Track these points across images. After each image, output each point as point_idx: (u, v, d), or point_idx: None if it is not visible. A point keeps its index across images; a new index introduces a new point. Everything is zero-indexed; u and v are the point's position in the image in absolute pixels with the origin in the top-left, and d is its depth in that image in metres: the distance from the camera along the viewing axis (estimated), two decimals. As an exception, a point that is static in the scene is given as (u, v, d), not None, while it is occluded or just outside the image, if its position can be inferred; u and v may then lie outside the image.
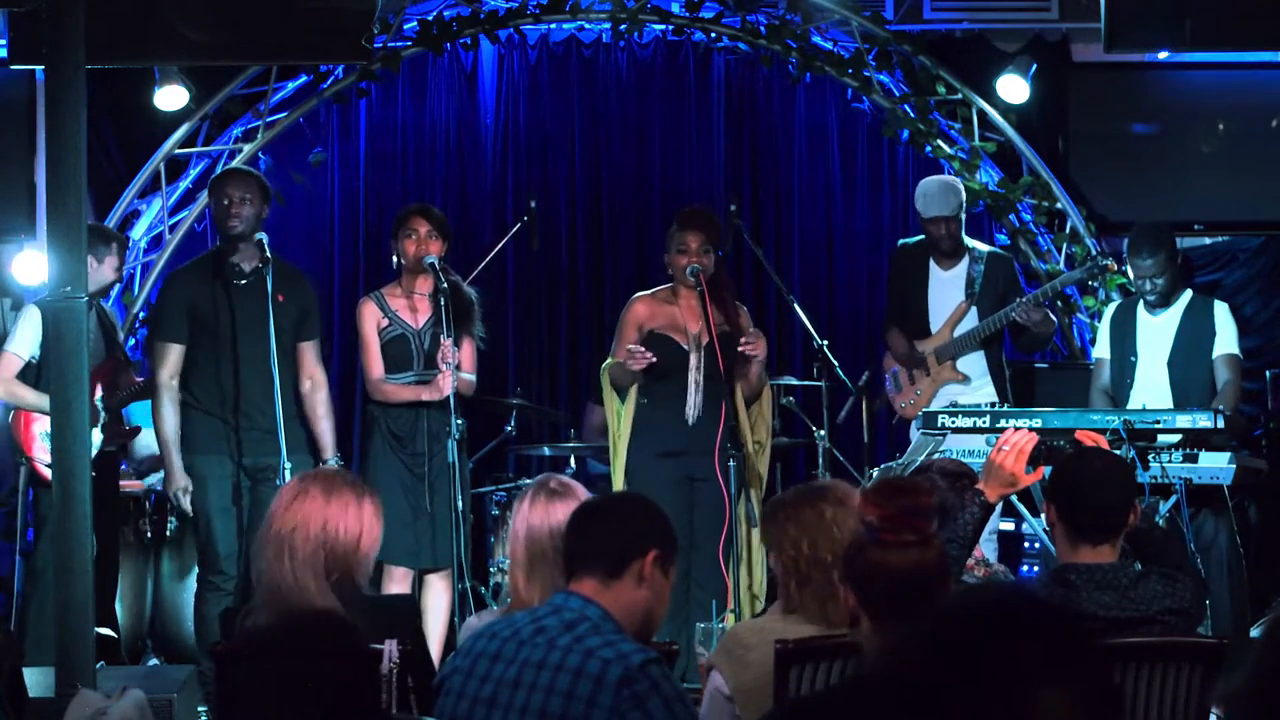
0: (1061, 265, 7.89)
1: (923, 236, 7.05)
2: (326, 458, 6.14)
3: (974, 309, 6.88)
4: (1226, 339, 6.29)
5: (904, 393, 7.00)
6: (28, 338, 6.45)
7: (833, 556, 3.46)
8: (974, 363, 6.88)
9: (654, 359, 6.09)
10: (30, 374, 6.45)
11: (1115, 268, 7.05)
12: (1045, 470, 4.34)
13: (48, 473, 6.33)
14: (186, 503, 5.94)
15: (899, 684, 2.01)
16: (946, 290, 6.95)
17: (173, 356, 6.00)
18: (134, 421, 7.57)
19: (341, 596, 3.68)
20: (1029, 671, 1.94)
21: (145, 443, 7.54)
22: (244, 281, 6.01)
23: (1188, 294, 6.44)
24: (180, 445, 6.03)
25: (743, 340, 6.08)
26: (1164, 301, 6.42)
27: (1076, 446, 4.64)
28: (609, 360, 6.35)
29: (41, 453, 6.42)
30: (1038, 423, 5.21)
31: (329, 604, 3.61)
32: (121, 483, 7.13)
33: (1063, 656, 1.96)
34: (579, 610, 3.02)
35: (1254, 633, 6.14)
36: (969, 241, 7.05)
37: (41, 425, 6.42)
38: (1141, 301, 6.41)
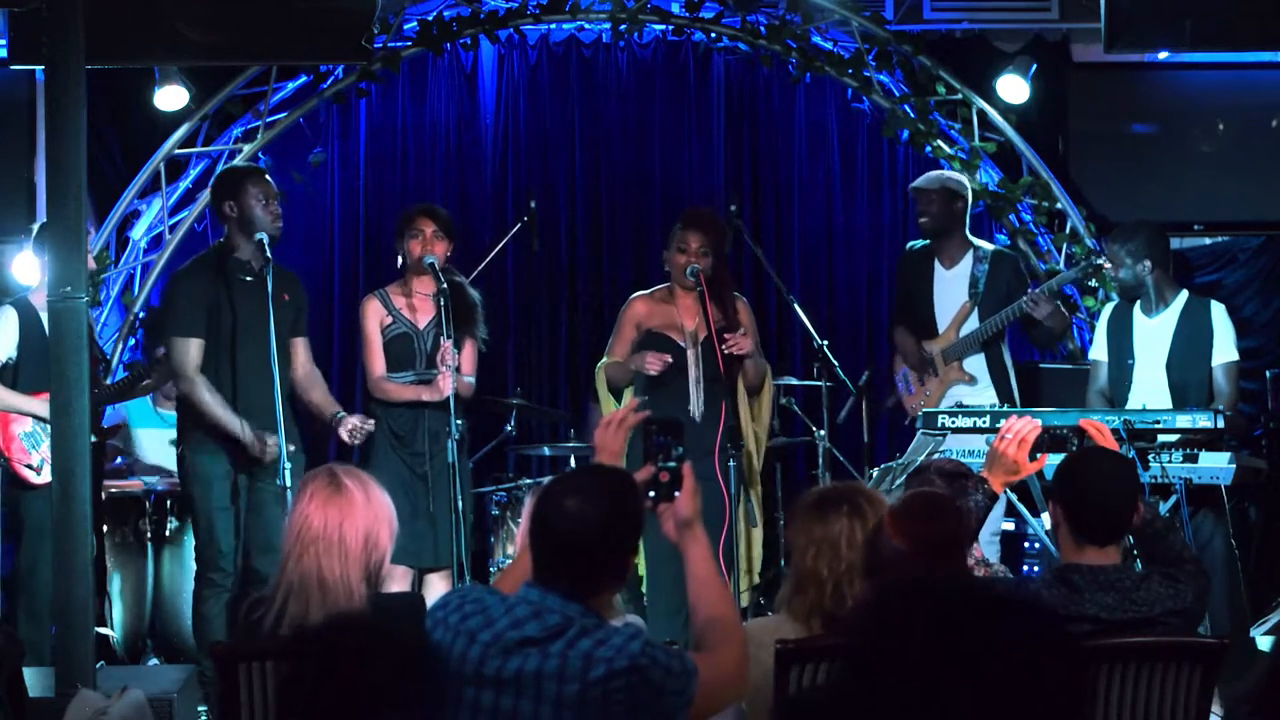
0: (1061, 265, 7.88)
1: (929, 240, 7.05)
2: (335, 411, 6.16)
3: (977, 309, 6.87)
4: (1224, 343, 6.27)
5: (915, 394, 7.00)
6: (4, 339, 6.43)
7: (829, 572, 3.50)
8: (977, 364, 6.88)
9: (670, 360, 6.09)
10: (7, 375, 6.43)
11: (1109, 266, 7.07)
12: (1049, 458, 4.34)
13: (26, 474, 6.34)
14: (273, 448, 5.83)
15: (898, 681, 2.01)
16: (951, 290, 6.95)
17: (194, 350, 5.96)
18: (133, 424, 7.57)
19: (372, 591, 3.73)
20: (1027, 669, 1.95)
21: (149, 453, 7.53)
22: (250, 279, 6.01)
23: (1184, 295, 6.41)
24: (184, 442, 6.04)
25: (727, 340, 6.06)
26: (1127, 295, 6.39)
27: (1080, 437, 4.64)
28: (604, 360, 6.35)
29: (20, 454, 6.40)
30: (1038, 422, 5.20)
31: (366, 604, 3.66)
32: (122, 482, 7.14)
33: (1059, 655, 1.97)
34: (559, 609, 2.96)
35: (1253, 633, 6.14)
36: (975, 240, 7.04)
37: (20, 426, 6.41)
38: (1138, 303, 6.40)
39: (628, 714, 2.92)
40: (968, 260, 6.95)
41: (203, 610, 5.96)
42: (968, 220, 7.04)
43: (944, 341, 6.92)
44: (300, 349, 6.26)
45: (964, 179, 7.18)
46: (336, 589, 3.65)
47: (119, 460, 7.41)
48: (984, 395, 6.75)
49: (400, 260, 6.35)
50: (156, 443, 7.51)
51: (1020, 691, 1.96)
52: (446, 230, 6.25)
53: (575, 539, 2.97)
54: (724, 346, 6.03)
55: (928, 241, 7.07)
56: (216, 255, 6.13)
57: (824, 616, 3.51)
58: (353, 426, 6.10)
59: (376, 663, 2.75)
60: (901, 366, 7.11)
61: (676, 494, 3.21)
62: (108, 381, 6.96)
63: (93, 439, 6.55)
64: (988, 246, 7.07)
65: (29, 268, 7.17)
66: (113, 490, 6.87)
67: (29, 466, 6.38)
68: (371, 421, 6.15)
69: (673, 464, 3.22)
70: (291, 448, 5.73)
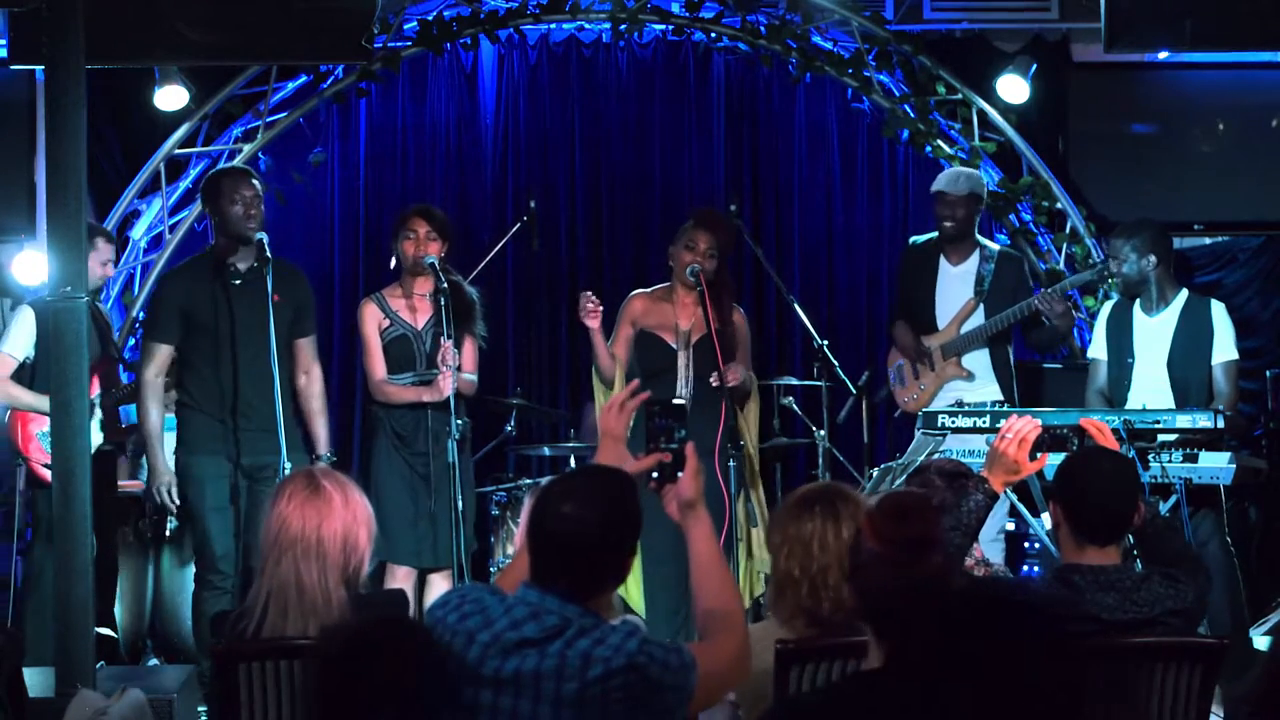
0: (1062, 265, 7.89)
1: (933, 234, 7.05)
2: (320, 453, 6.12)
3: (981, 307, 6.88)
4: (1224, 342, 6.26)
5: (908, 387, 7.00)
6: (22, 338, 6.45)
7: (800, 572, 3.49)
8: (978, 360, 6.87)
9: (599, 307, 6.08)
10: (25, 374, 6.45)
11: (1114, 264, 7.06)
12: (1049, 458, 4.33)
13: (44, 473, 6.35)
14: (171, 496, 5.91)
15: (901, 681, 2.02)
16: (955, 286, 6.94)
17: (160, 356, 5.99)
18: (134, 421, 7.58)
19: (352, 592, 3.72)
20: (1030, 669, 1.95)
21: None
22: (240, 281, 5.99)
23: (1184, 293, 6.40)
24: (180, 443, 6.04)
25: (723, 374, 6.04)
26: (1128, 292, 6.39)
27: (1081, 437, 4.64)
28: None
29: (38, 453, 6.43)
30: (1038, 422, 5.20)
31: (345, 606, 3.65)
32: (121, 482, 7.13)
33: (1059, 655, 1.97)
34: (557, 611, 2.97)
35: (1251, 634, 6.14)
36: (981, 240, 7.04)
37: (38, 425, 6.43)
38: (1138, 302, 6.40)
39: (627, 711, 2.93)
40: (974, 259, 6.94)
41: (203, 611, 5.95)
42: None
43: (944, 337, 6.92)
44: (305, 351, 6.18)
45: (981, 176, 7.19)
46: (314, 592, 3.64)
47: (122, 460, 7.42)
48: (981, 391, 6.75)
49: (395, 262, 6.35)
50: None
51: (1020, 691, 1.96)
52: (442, 230, 6.24)
53: (573, 543, 2.98)
54: (716, 380, 6.03)
55: (933, 236, 7.06)
56: (208, 258, 6.12)
57: (807, 617, 3.50)
58: None
59: (400, 665, 2.75)
60: (896, 359, 7.10)
61: (679, 475, 3.22)
62: (126, 383, 6.97)
63: (111, 439, 6.64)
64: (994, 246, 7.06)
65: (30, 267, 7.18)
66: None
67: (47, 466, 6.39)
68: None
69: (675, 445, 3.25)
70: (289, 465, 5.72)
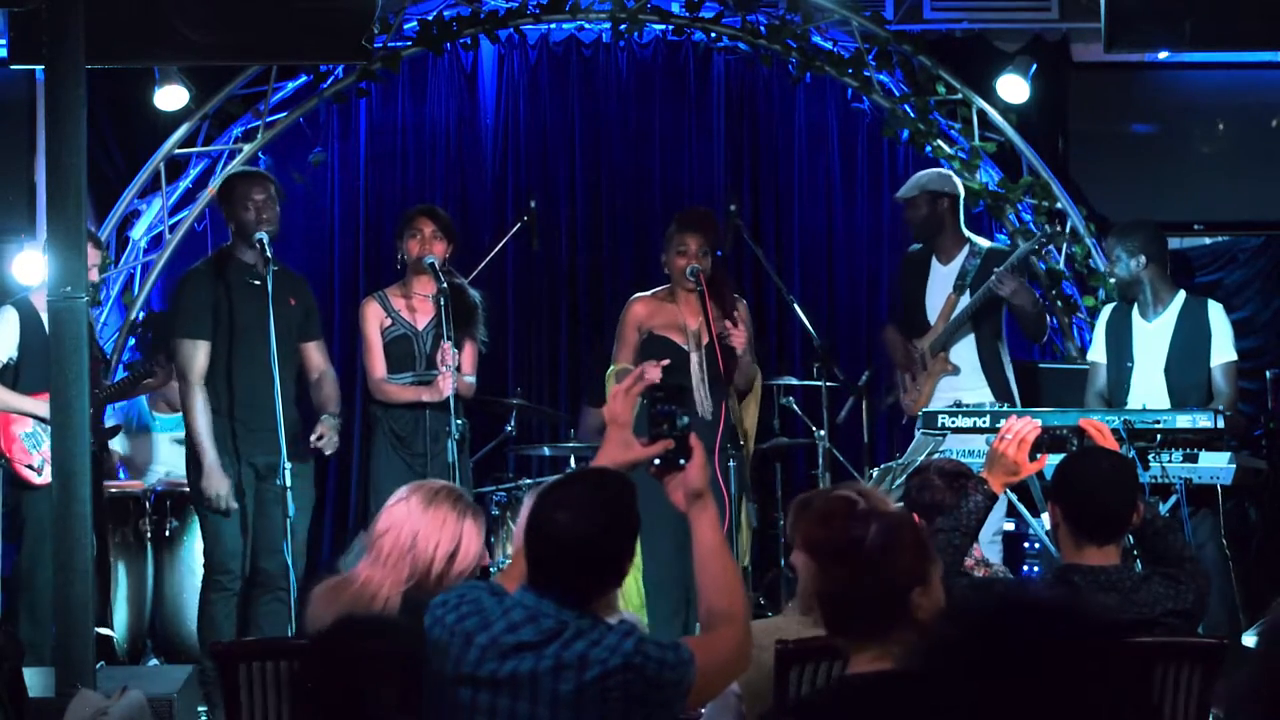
0: (1061, 265, 7.89)
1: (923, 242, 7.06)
2: (331, 410, 6.17)
3: (963, 301, 6.86)
4: (1223, 343, 6.27)
5: (909, 391, 7.01)
6: (4, 339, 6.44)
7: None
8: (967, 360, 6.85)
9: (667, 361, 6.08)
10: (8, 375, 6.44)
11: (1065, 235, 7.07)
12: (1049, 459, 4.34)
13: (27, 474, 6.36)
14: (232, 501, 5.90)
15: (916, 682, 2.01)
16: (943, 285, 6.95)
17: (201, 355, 5.98)
18: (118, 422, 7.57)
19: (413, 604, 3.70)
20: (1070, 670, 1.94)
21: (157, 463, 7.51)
22: (257, 282, 6.00)
23: (1181, 295, 6.40)
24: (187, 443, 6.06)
25: (726, 329, 6.05)
26: (1124, 294, 6.40)
27: (1080, 437, 4.64)
28: (614, 366, 6.34)
29: (21, 454, 6.41)
30: (1038, 423, 5.20)
31: (393, 607, 3.65)
32: (121, 483, 7.14)
33: (1099, 657, 1.97)
34: (554, 615, 2.98)
35: (1247, 635, 6.14)
36: (972, 237, 7.03)
37: (20, 426, 6.42)
38: (1136, 305, 6.40)
39: (625, 708, 2.94)
40: (962, 255, 6.95)
41: (210, 612, 5.97)
42: (960, 215, 7.02)
43: (931, 335, 6.92)
44: (314, 353, 6.27)
45: (948, 174, 7.17)
46: (363, 588, 3.69)
47: (121, 472, 7.41)
48: (975, 388, 6.72)
49: (399, 261, 6.36)
50: (152, 445, 7.51)
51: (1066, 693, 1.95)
52: (446, 231, 6.26)
53: (569, 549, 2.98)
54: (721, 337, 6.03)
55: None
56: (220, 259, 6.15)
57: None
58: (322, 433, 6.10)
59: (380, 665, 2.77)
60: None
61: (682, 462, 3.18)
62: (108, 382, 6.96)
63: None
64: (983, 243, 7.05)
65: (30, 267, 7.18)
66: (113, 490, 6.88)
67: (30, 467, 6.39)
68: (333, 442, 6.14)
69: (678, 432, 3.21)
70: (290, 466, 5.72)
